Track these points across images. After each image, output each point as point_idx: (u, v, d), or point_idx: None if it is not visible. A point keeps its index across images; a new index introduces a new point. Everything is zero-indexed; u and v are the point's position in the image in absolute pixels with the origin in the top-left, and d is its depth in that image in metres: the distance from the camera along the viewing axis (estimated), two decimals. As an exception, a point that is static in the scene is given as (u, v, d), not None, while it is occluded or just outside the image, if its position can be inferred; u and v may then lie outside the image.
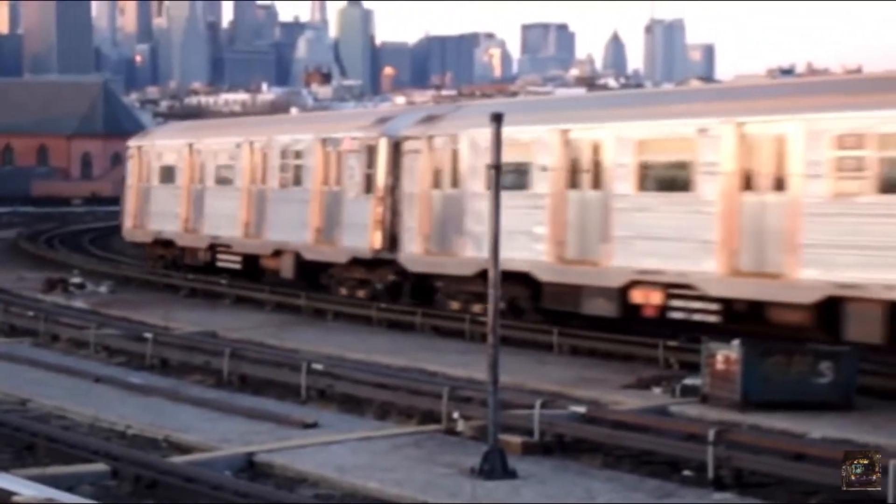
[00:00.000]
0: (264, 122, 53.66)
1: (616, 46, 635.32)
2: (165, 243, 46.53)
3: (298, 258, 38.62)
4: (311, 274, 38.77)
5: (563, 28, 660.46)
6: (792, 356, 21.34)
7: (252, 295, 39.28)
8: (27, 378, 24.34)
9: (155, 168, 47.27)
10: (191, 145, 45.17)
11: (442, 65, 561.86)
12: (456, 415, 19.50)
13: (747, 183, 25.22)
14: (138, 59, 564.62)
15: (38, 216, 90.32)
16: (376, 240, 34.94)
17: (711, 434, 16.69)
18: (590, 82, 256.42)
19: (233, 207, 41.73)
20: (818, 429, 19.32)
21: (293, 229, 38.52)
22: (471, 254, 31.10)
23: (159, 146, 47.88)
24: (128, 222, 49.00)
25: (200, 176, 44.35)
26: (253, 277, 41.44)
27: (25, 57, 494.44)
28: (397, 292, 35.48)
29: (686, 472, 16.79)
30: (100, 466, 16.43)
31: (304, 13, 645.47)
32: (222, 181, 43.05)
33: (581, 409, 19.98)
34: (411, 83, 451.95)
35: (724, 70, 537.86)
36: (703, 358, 21.80)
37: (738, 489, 16.06)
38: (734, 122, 25.74)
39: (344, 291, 37.20)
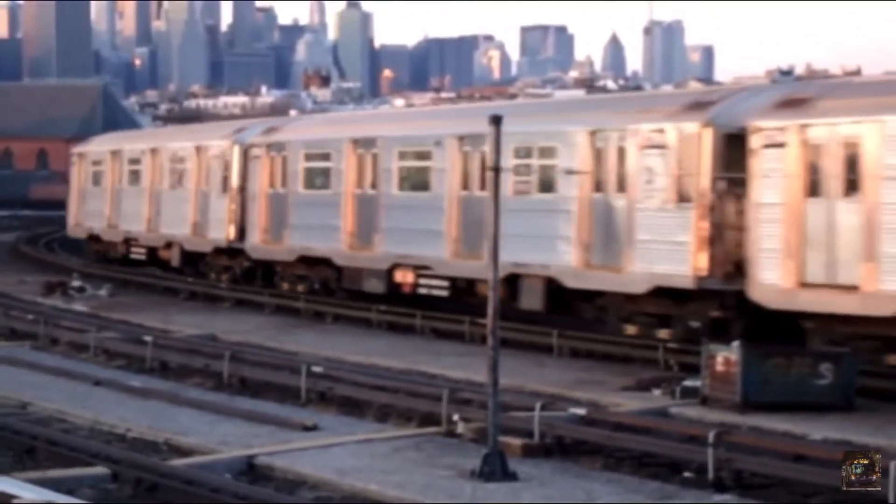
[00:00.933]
0: (164, 132, 60.75)
1: (615, 48, 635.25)
2: (96, 238, 53.27)
3: (182, 249, 45.37)
4: (193, 262, 45.32)
5: (562, 30, 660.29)
6: (792, 358, 21.37)
7: (251, 298, 39.31)
8: (27, 381, 24.35)
9: (90, 172, 53.62)
10: (113, 152, 51.68)
11: (441, 67, 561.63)
12: (456, 417, 19.51)
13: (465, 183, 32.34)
14: (137, 62, 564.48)
15: (38, 220, 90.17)
16: (230, 232, 41.58)
17: (712, 436, 16.70)
18: (589, 84, 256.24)
19: (140, 206, 48.05)
20: (818, 430, 19.33)
21: (178, 225, 45.16)
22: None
23: (93, 153, 54.25)
24: (70, 220, 56.45)
25: (119, 178, 50.62)
26: (159, 266, 47.74)
27: (25, 60, 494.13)
28: (251, 276, 42.27)
29: (686, 474, 16.80)
30: (100, 469, 16.44)
31: (303, 16, 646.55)
32: (133, 183, 49.32)
33: (581, 411, 20.00)
34: (410, 85, 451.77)
35: (724, 71, 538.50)
36: (702, 360, 21.81)
37: (739, 491, 16.07)
38: None
39: (213, 276, 44.21)
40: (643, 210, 27.17)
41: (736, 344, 21.45)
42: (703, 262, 25.74)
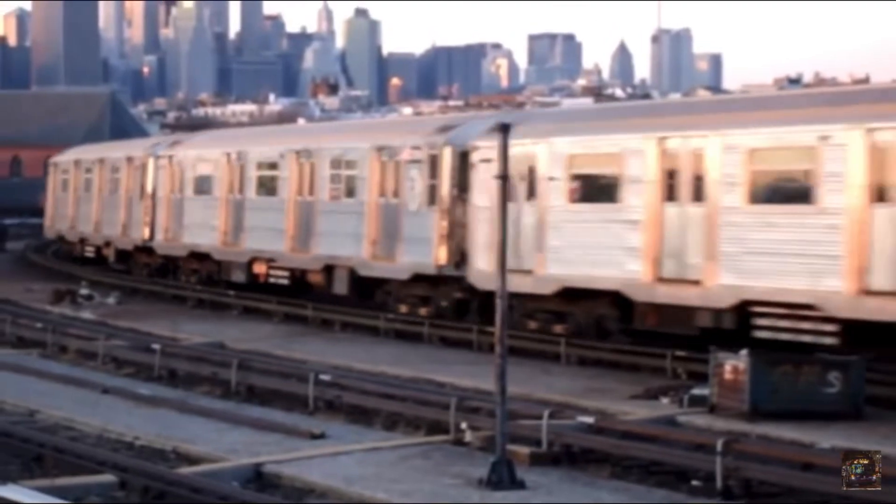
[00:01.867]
0: (106, 146, 64.81)
1: (623, 56, 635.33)
2: (62, 239, 60.72)
3: (115, 248, 52.56)
4: (125, 259, 52.29)
5: (569, 38, 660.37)
6: (800, 366, 21.34)
7: (259, 306, 39.31)
8: (35, 389, 24.37)
9: (60, 180, 60.45)
10: (76, 162, 58.56)
11: (449, 75, 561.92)
12: (464, 425, 19.49)
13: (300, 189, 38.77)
14: (146, 70, 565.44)
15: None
16: (146, 232, 48.70)
17: (720, 444, 16.67)
18: (597, 92, 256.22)
19: (90, 210, 55.22)
20: (827, 439, 19.29)
21: (113, 227, 52.36)
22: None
23: (62, 163, 60.86)
24: (46, 222, 63.35)
25: (78, 186, 57.33)
26: (103, 263, 53.88)
27: (33, 69, 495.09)
28: (163, 270, 48.19)
29: (695, 483, 16.78)
30: (108, 477, 16.44)
31: (312, 24, 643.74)
32: (87, 189, 56.10)
33: (589, 420, 19.98)
34: (418, 94, 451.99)
35: (732, 80, 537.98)
36: (711, 368, 21.79)
37: (748, 499, 16.05)
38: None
39: (135, 270, 50.38)
40: (407, 212, 34.14)
41: (744, 352, 21.43)
42: (442, 253, 32.75)
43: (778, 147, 25.06)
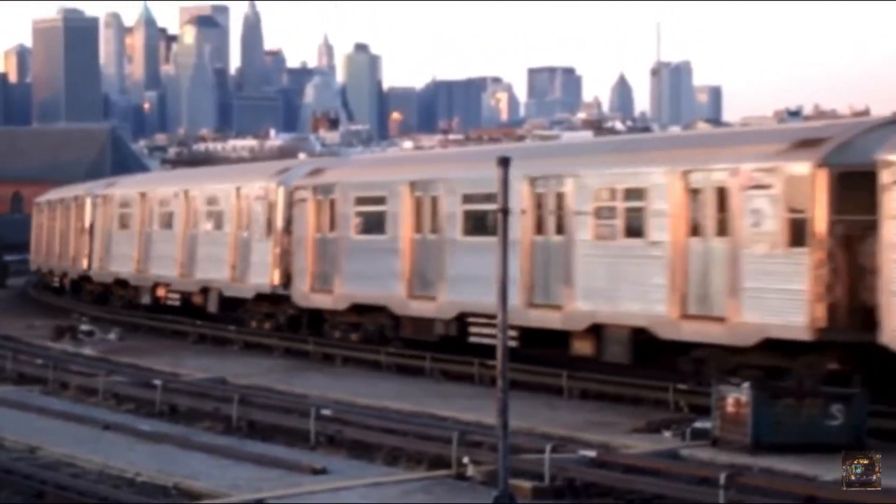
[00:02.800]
0: (67, 189, 67.99)
1: (623, 89, 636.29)
2: (39, 271, 68.25)
3: (71, 278, 59.05)
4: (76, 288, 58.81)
5: (569, 71, 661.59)
6: (803, 399, 21.30)
7: (261, 340, 39.31)
8: (36, 426, 24.33)
9: (41, 218, 67.59)
10: (59, 200, 63.49)
11: (449, 109, 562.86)
12: (466, 460, 19.45)
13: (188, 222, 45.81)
14: (146, 105, 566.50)
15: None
16: (84, 263, 55.49)
17: (723, 477, 16.64)
18: (597, 125, 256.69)
19: (53, 245, 62.40)
20: (830, 472, 19.20)
21: (65, 259, 59.27)
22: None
23: (42, 202, 68.66)
24: (32, 256, 70.66)
25: (50, 223, 64.06)
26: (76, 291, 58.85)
27: (34, 105, 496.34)
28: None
29: (698, 516, 16.72)
30: (109, 514, 16.38)
31: (312, 59, 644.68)
32: (59, 225, 61.99)
33: (591, 453, 19.94)
34: (419, 128, 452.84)
35: (732, 112, 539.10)
36: (713, 401, 21.74)
37: (751, 533, 15.98)
38: None
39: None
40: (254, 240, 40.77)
41: (746, 385, 21.39)
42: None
43: None
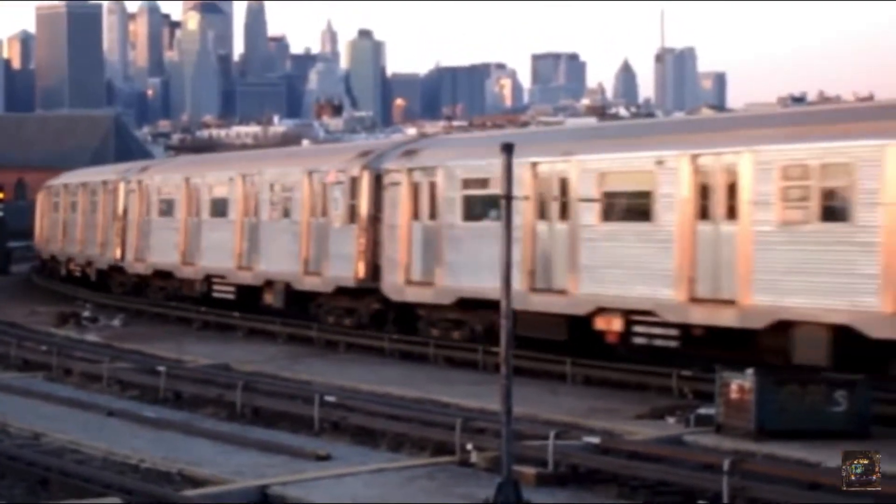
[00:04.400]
0: (89, 171, 67.72)
1: (627, 75, 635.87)
2: (53, 259, 64.40)
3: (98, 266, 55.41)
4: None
5: (573, 58, 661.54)
6: (806, 385, 21.28)
7: (264, 327, 39.30)
8: (40, 412, 24.34)
9: (63, 202, 62.99)
10: (65, 185, 62.59)
11: (453, 95, 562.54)
12: (469, 446, 19.44)
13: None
14: (150, 92, 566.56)
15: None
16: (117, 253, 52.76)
17: (726, 464, 16.63)
18: (601, 112, 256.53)
19: (75, 231, 58.99)
20: (833, 458, 19.18)
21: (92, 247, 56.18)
22: None
23: (56, 186, 64.66)
24: (39, 242, 69.76)
25: (71, 211, 60.47)
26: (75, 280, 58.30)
27: (38, 92, 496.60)
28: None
29: (701, 502, 16.72)
30: (113, 500, 16.40)
31: (315, 45, 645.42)
32: (70, 212, 60.82)
33: (595, 440, 19.94)
34: (422, 114, 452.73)
35: (736, 98, 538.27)
36: (717, 387, 21.73)
37: (754, 519, 15.97)
38: None
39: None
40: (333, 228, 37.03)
41: (750, 371, 21.38)
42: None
43: None
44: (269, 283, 40.35)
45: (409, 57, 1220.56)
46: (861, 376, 21.68)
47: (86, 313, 43.85)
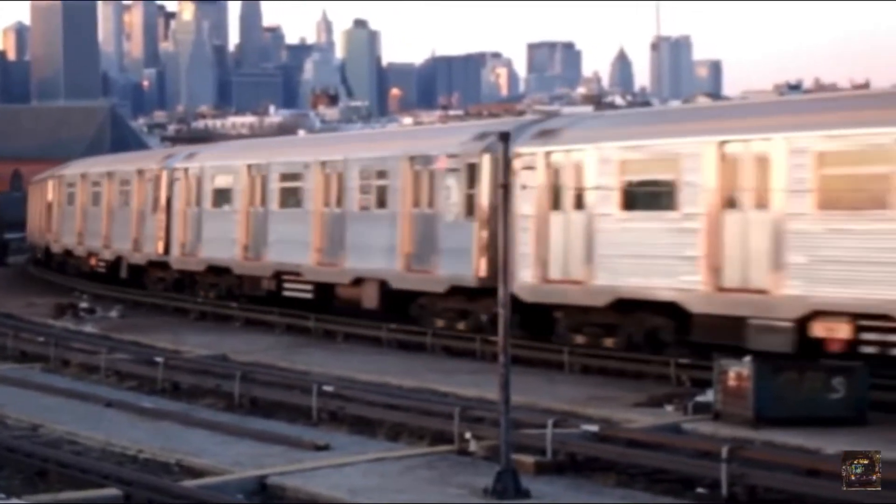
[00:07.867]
0: (114, 158, 65.68)
1: (622, 64, 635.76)
2: (68, 254, 61.02)
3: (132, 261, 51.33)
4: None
5: (569, 46, 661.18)
6: (804, 372, 21.29)
7: (262, 317, 39.29)
8: (38, 403, 24.32)
9: (80, 192, 60.30)
10: (82, 175, 59.64)
11: (449, 85, 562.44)
12: (468, 435, 19.44)
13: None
14: (145, 83, 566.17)
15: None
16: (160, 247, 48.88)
17: (725, 451, 16.63)
18: (597, 100, 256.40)
19: (99, 224, 55.75)
20: (832, 444, 19.23)
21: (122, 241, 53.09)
22: None
23: (69, 175, 62.27)
24: (39, 234, 69.09)
25: (92, 201, 57.16)
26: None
27: (33, 83, 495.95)
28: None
29: (700, 490, 16.73)
30: (112, 491, 16.38)
31: (311, 35, 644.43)
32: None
33: (593, 428, 19.94)
34: (418, 104, 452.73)
35: (732, 86, 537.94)
36: (715, 375, 21.74)
37: (753, 506, 15.99)
38: None
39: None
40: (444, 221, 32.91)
41: (748, 359, 21.39)
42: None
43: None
44: (359, 281, 36.30)
45: (404, 46, 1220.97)
46: (859, 363, 21.70)
47: (83, 304, 43.81)
